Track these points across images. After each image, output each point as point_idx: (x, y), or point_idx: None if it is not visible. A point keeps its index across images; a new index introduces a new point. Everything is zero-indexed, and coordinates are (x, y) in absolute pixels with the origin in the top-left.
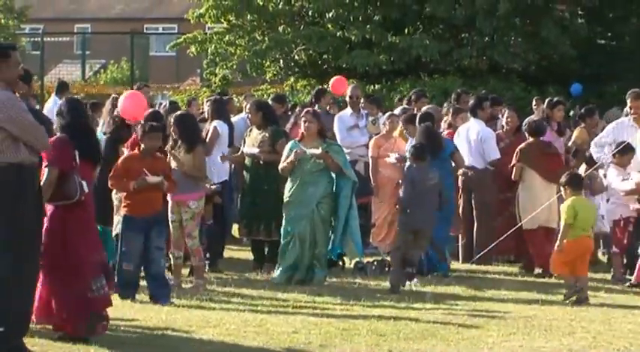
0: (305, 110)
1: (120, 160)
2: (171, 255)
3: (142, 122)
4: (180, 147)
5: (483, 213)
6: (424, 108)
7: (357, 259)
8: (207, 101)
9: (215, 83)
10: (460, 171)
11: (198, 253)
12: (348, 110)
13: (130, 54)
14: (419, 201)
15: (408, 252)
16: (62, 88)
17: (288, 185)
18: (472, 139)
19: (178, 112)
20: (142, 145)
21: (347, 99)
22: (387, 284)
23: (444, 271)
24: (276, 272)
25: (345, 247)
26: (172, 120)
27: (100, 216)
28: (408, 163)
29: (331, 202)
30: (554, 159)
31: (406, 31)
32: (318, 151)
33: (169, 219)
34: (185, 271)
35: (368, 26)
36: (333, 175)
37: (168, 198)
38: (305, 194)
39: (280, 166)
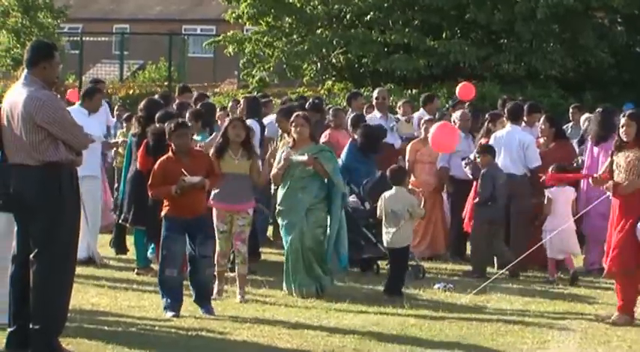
0: (295, 114)
1: (156, 165)
2: (217, 265)
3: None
4: (239, 152)
5: (520, 220)
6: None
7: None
8: (243, 99)
9: (252, 85)
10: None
11: (246, 261)
12: (377, 113)
13: (167, 55)
14: (497, 195)
15: (492, 242)
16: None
17: (279, 192)
18: (512, 146)
19: (238, 118)
20: (172, 145)
21: (374, 101)
22: (418, 291)
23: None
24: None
25: (329, 259)
26: (232, 125)
27: (135, 216)
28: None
29: (323, 208)
30: None
31: (444, 35)
32: (305, 157)
33: (218, 229)
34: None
35: (407, 30)
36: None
37: (215, 207)
38: (294, 200)
39: (271, 173)
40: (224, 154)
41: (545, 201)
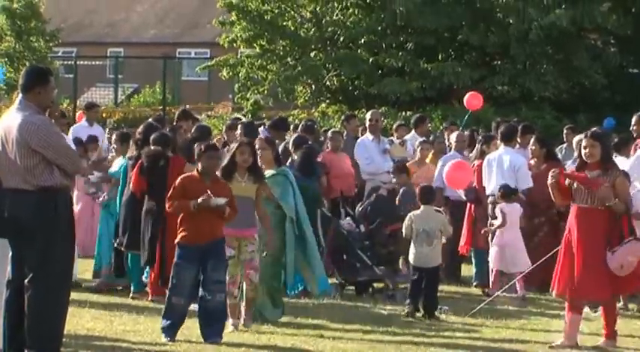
0: (258, 137)
1: (177, 181)
2: (228, 296)
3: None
4: (246, 176)
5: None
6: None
7: (388, 286)
8: (240, 124)
9: (247, 108)
10: (490, 199)
11: (257, 289)
12: (369, 135)
13: (162, 78)
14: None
15: None
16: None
17: None
18: (504, 167)
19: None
20: (200, 166)
21: (366, 123)
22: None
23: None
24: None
25: (308, 284)
26: (240, 150)
27: (130, 240)
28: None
29: (278, 235)
30: None
31: (438, 58)
32: (222, 201)
33: (227, 254)
34: None
35: (400, 53)
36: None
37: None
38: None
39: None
40: (231, 177)
41: (499, 216)
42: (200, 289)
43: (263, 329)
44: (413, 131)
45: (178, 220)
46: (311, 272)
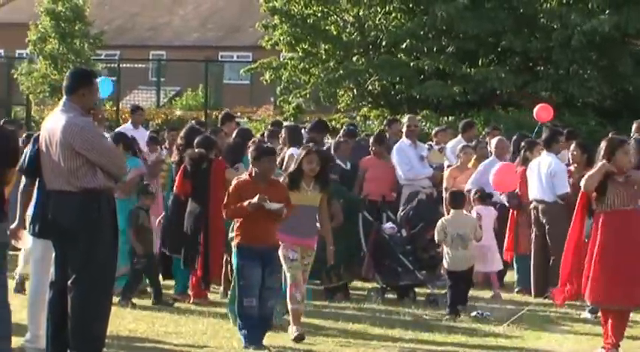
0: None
1: (232, 186)
2: (291, 301)
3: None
4: (312, 184)
5: (558, 246)
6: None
7: (430, 291)
8: (284, 127)
9: (288, 111)
10: (532, 205)
11: (304, 299)
12: (406, 140)
13: (204, 81)
14: None
15: None
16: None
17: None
18: (543, 173)
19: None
20: (255, 169)
21: (404, 128)
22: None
23: None
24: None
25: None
26: (308, 158)
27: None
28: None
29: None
30: None
31: (480, 62)
32: (278, 206)
33: (288, 259)
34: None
35: (442, 57)
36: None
37: (283, 240)
38: None
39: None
40: (298, 185)
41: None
42: None
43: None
44: (460, 135)
45: (236, 224)
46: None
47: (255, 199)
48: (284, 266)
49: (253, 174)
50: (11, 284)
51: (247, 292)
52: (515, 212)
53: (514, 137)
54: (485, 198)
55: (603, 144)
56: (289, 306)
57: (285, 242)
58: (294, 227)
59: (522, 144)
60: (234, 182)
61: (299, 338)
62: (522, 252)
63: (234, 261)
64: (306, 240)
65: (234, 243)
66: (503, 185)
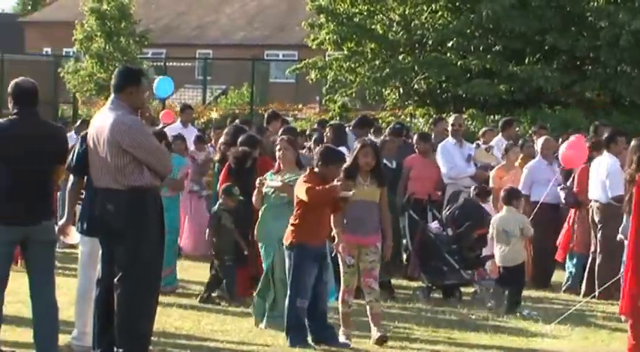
0: (280, 137)
1: (303, 178)
2: (342, 305)
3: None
4: (369, 179)
5: (608, 247)
6: None
7: (474, 289)
8: (329, 126)
9: (334, 110)
10: (591, 204)
11: (379, 299)
12: (451, 139)
13: (250, 80)
14: None
15: None
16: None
17: (259, 219)
18: (600, 172)
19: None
20: (322, 172)
21: (449, 127)
22: (503, 318)
23: None
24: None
25: None
26: (364, 152)
27: None
28: None
29: None
30: None
31: (527, 61)
32: (277, 183)
33: (344, 263)
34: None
35: (488, 56)
36: None
37: (351, 240)
38: (268, 229)
39: (253, 200)
40: (354, 180)
41: None
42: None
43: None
44: (500, 134)
45: (293, 221)
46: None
47: (336, 182)
48: (341, 268)
49: (318, 174)
50: (73, 281)
51: (302, 293)
52: (574, 210)
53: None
54: (483, 194)
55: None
56: (340, 309)
57: (345, 242)
58: (354, 224)
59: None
60: (302, 178)
61: (345, 346)
62: (579, 251)
63: (287, 260)
64: (366, 237)
65: (287, 242)
66: (571, 160)
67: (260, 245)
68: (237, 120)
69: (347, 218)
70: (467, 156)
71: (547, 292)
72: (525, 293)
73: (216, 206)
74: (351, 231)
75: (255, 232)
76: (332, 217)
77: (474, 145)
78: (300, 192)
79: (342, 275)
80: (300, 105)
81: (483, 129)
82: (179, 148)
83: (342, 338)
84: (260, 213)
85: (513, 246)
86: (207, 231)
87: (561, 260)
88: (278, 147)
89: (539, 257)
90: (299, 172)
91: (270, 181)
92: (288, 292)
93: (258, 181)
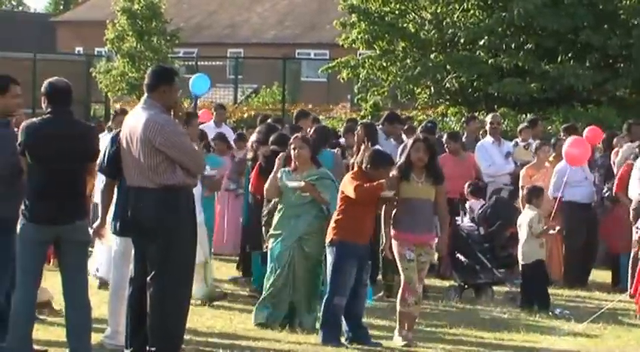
0: (294, 136)
1: (350, 175)
2: (401, 303)
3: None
4: (424, 176)
5: None
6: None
7: (508, 289)
8: (360, 125)
9: (366, 109)
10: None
11: (420, 302)
12: (489, 138)
13: (281, 79)
14: None
15: None
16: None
17: (275, 217)
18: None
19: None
20: (371, 174)
21: (487, 126)
22: (535, 317)
23: None
24: (254, 311)
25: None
26: (415, 147)
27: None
28: None
29: (318, 240)
30: None
31: (559, 59)
32: (300, 184)
33: (404, 258)
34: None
35: (520, 54)
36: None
37: (400, 238)
38: (287, 228)
39: (266, 188)
40: (408, 177)
41: (468, 212)
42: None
43: (378, 333)
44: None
45: (336, 217)
46: None
47: (383, 181)
48: (399, 265)
49: (366, 173)
50: None
51: (342, 291)
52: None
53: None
54: (476, 192)
55: None
56: (398, 309)
57: (401, 240)
58: (408, 223)
59: (636, 143)
60: (350, 175)
61: (407, 345)
62: (619, 250)
63: (329, 257)
64: (421, 236)
65: (329, 239)
66: (575, 158)
67: (272, 240)
68: (269, 119)
69: (401, 217)
70: (505, 153)
71: (579, 291)
72: (557, 291)
73: (271, 204)
74: (405, 229)
75: (272, 230)
76: (382, 217)
77: (513, 143)
78: (348, 188)
79: (401, 271)
80: (331, 106)
81: (521, 126)
82: (220, 148)
83: (397, 340)
84: (280, 212)
85: (527, 243)
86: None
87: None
88: (292, 146)
89: (571, 256)
90: (317, 170)
91: (289, 181)
92: (328, 288)
93: (274, 173)
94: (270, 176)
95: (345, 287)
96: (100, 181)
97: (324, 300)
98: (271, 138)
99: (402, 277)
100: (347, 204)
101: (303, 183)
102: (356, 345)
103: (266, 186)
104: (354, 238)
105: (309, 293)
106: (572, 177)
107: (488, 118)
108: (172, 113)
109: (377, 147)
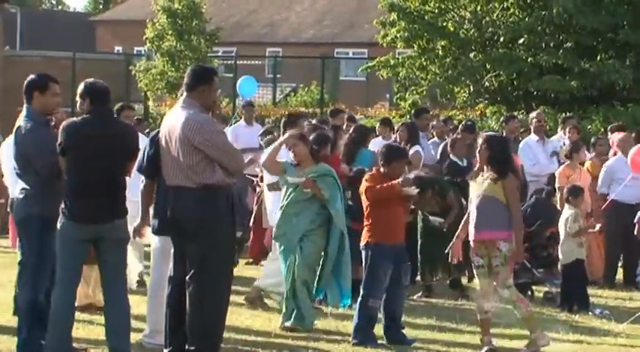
0: (289, 134)
1: (368, 176)
2: (477, 309)
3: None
4: (488, 172)
5: None
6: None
7: (547, 289)
8: (401, 125)
9: (404, 108)
10: None
11: (520, 302)
12: (533, 136)
13: (320, 78)
14: None
15: None
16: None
17: (277, 215)
18: None
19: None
20: (385, 170)
21: (532, 124)
22: (575, 317)
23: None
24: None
25: (330, 291)
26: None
27: None
28: None
29: (322, 235)
30: None
31: (599, 57)
32: (301, 179)
33: (475, 263)
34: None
35: (560, 52)
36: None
37: (471, 238)
38: (289, 226)
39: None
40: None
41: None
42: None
43: (416, 332)
44: (560, 132)
45: (366, 221)
46: (337, 285)
47: (402, 179)
48: (474, 271)
49: (383, 173)
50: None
51: (375, 293)
52: None
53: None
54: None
55: None
56: (478, 316)
57: (471, 241)
58: (473, 221)
59: None
60: (366, 177)
61: (491, 350)
62: None
63: (363, 260)
64: (480, 233)
65: (363, 242)
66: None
67: (278, 244)
68: (313, 120)
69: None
70: (550, 152)
71: (620, 291)
72: (598, 291)
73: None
74: (472, 228)
75: (275, 230)
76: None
77: (561, 142)
78: (362, 192)
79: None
80: (369, 108)
81: (570, 125)
82: None
83: (485, 348)
84: (281, 210)
85: (566, 242)
86: None
87: None
88: (287, 144)
89: (612, 256)
90: (319, 167)
91: (291, 177)
92: (362, 291)
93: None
94: (271, 148)
95: (380, 289)
96: (139, 181)
97: (358, 302)
98: (311, 138)
99: (477, 283)
100: (369, 207)
101: (303, 179)
102: (393, 345)
103: (263, 157)
104: (386, 239)
105: (303, 295)
106: (623, 177)
107: (533, 115)
108: (211, 112)
109: (390, 142)
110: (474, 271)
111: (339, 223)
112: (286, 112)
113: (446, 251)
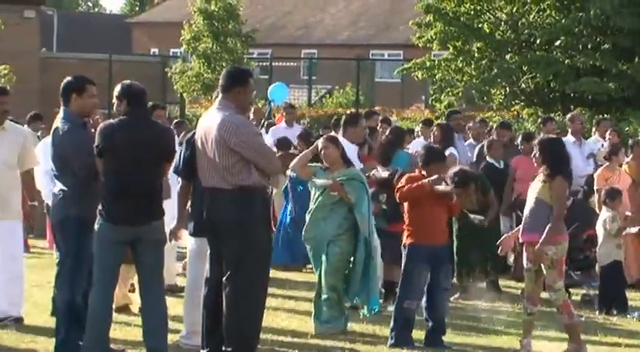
0: (324, 136)
1: (405, 179)
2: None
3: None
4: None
5: None
6: None
7: (585, 291)
8: (436, 126)
9: (440, 110)
10: None
11: (565, 308)
12: (570, 137)
13: (355, 79)
14: None
15: None
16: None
17: (306, 219)
18: None
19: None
20: (424, 173)
21: (570, 125)
22: (612, 319)
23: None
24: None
25: (360, 296)
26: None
27: None
28: None
29: (346, 242)
30: None
31: (636, 59)
32: (328, 182)
33: (524, 266)
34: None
35: (597, 54)
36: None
37: (520, 239)
38: (317, 230)
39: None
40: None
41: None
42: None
43: (457, 337)
44: (594, 134)
45: (406, 219)
46: (366, 290)
47: (434, 178)
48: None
49: (422, 173)
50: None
51: (411, 294)
52: None
53: None
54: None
55: None
56: (524, 317)
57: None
58: (523, 223)
59: None
60: (407, 176)
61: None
62: None
63: (404, 260)
64: (524, 235)
65: (403, 243)
66: None
67: (308, 248)
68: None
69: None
70: (587, 154)
71: None
72: (637, 294)
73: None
74: (525, 229)
75: (304, 233)
76: None
77: (600, 145)
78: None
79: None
80: (405, 110)
81: (610, 128)
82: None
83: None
84: (309, 214)
85: (604, 244)
86: None
87: None
88: (320, 146)
89: None
90: (348, 171)
91: (320, 180)
92: (397, 293)
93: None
94: (301, 159)
95: (414, 291)
96: (176, 183)
97: (394, 305)
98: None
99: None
100: (407, 208)
101: (331, 182)
102: (430, 349)
103: (296, 163)
104: (423, 240)
105: (331, 300)
106: None
107: (572, 117)
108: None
109: (428, 144)
110: (524, 273)
111: (363, 228)
112: (323, 112)
113: (497, 243)
